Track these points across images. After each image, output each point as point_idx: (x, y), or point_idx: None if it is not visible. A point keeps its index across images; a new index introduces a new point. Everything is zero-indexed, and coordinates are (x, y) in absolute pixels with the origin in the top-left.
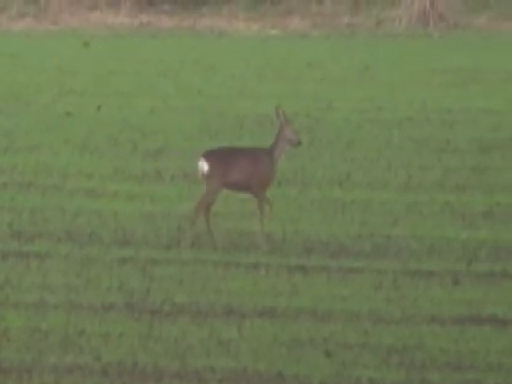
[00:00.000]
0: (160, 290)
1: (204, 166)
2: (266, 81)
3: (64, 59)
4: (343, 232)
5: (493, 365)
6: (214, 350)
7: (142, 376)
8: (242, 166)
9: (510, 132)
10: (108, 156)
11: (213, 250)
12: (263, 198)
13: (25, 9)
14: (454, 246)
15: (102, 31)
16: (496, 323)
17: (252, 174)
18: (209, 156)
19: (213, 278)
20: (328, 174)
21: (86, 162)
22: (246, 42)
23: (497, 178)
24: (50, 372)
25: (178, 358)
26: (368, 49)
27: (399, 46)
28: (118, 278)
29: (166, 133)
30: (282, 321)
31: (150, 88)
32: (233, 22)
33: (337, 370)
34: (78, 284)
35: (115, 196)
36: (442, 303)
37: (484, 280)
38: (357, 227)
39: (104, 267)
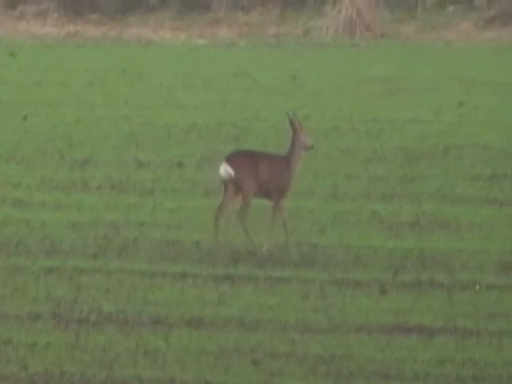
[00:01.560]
0: (87, 299)
1: (229, 169)
2: (193, 90)
3: None
4: (271, 241)
5: (419, 374)
6: (141, 360)
7: None
8: (263, 171)
9: (436, 141)
10: (35, 166)
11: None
12: (282, 205)
13: None
14: (381, 255)
15: (29, 41)
16: (423, 332)
17: (271, 179)
18: (233, 160)
19: (140, 287)
20: None
21: (13, 172)
22: (173, 52)
23: (423, 186)
24: None
25: (104, 368)
26: (295, 58)
27: (326, 55)
28: (45, 288)
29: (93, 142)
30: (210, 330)
31: (77, 98)
32: (160, 31)
33: (264, 379)
34: (4, 293)
35: (42, 206)
36: (369, 312)
37: (411, 289)
38: (284, 236)
39: (31, 276)
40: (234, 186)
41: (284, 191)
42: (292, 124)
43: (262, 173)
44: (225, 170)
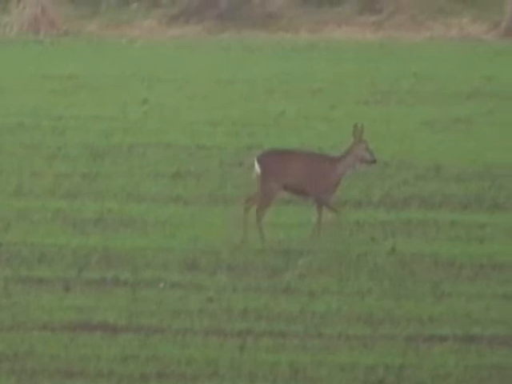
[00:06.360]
0: None
1: (256, 168)
2: None
3: None
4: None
5: (103, 371)
6: None
7: None
8: (298, 169)
9: (120, 138)
10: None
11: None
12: (326, 203)
13: None
14: (65, 252)
15: None
16: (107, 330)
17: (308, 178)
18: (261, 159)
19: None
20: None
21: None
22: None
23: (108, 184)
24: None
25: None
26: None
27: (10, 52)
28: None
29: None
30: None
31: None
32: None
33: None
34: None
35: None
36: (53, 310)
37: (95, 287)
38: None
39: None
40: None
41: (323, 191)
42: (354, 135)
43: (295, 172)
44: (255, 167)
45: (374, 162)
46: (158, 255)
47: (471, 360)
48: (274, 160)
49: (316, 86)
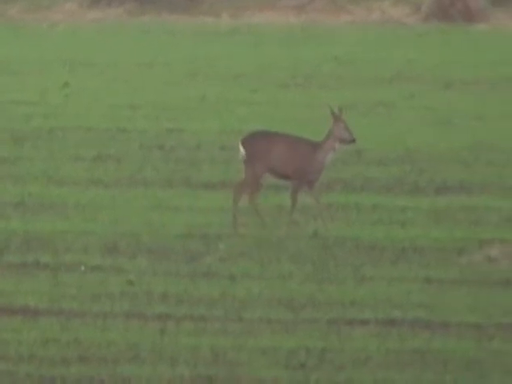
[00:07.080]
0: None
1: (242, 150)
2: None
3: None
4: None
5: (24, 355)
6: None
7: None
8: (279, 153)
9: (41, 122)
10: None
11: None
12: (299, 189)
13: None
14: None
15: None
16: (28, 313)
17: (290, 162)
18: (246, 141)
19: None
20: None
21: None
22: None
23: (28, 168)
24: None
25: None
26: None
27: None
28: None
29: None
30: None
31: None
32: None
33: None
34: None
35: None
36: None
37: (15, 270)
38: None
39: None
40: (245, 166)
41: (304, 175)
42: (333, 115)
43: (278, 155)
44: (239, 150)
45: (353, 141)
46: (78, 238)
47: (392, 343)
48: (259, 142)
49: (237, 70)
